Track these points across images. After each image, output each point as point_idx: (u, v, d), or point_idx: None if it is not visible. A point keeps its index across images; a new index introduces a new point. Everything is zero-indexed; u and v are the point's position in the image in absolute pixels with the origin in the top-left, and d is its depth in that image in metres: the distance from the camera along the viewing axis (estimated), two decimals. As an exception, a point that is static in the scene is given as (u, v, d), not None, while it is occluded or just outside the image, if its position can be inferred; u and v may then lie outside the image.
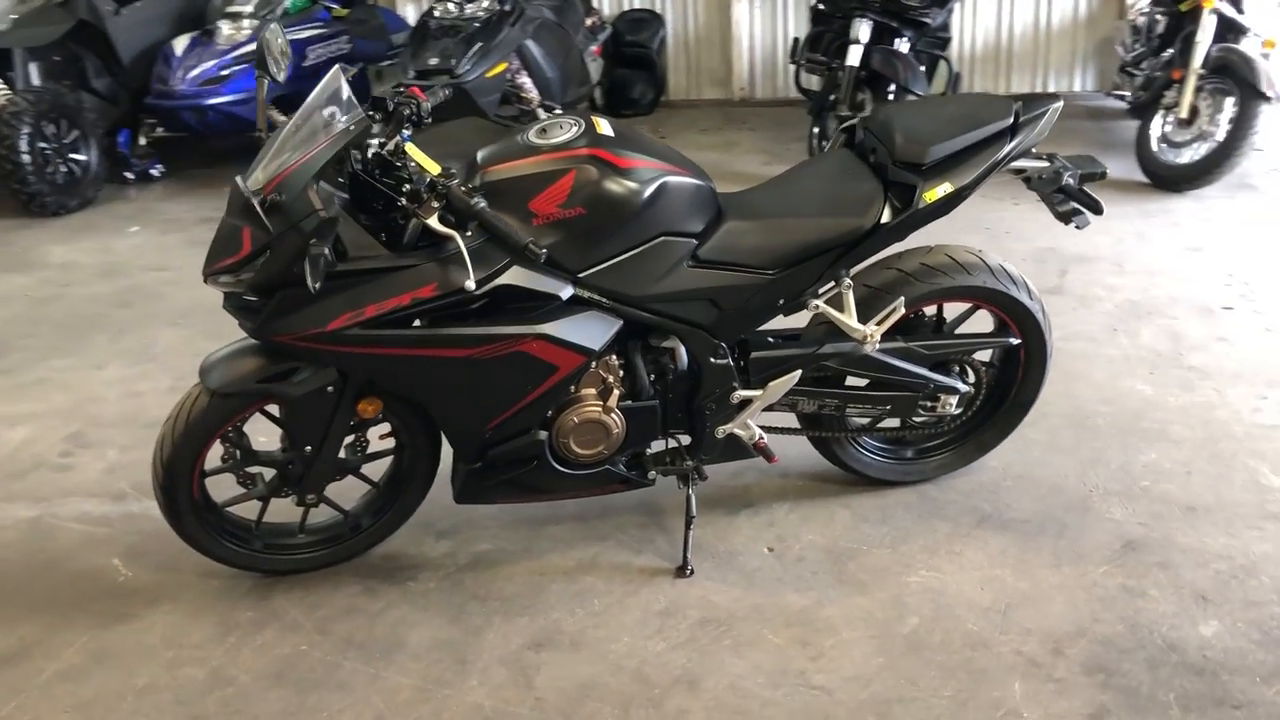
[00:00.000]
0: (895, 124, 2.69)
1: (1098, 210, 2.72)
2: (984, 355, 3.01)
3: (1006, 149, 2.66)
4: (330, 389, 2.58)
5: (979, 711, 2.31)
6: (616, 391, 2.65)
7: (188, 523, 2.70)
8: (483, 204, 2.27)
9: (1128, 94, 6.80)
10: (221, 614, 2.74)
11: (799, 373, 2.74)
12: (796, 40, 6.69)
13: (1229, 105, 5.54)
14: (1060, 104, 2.78)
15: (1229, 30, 5.70)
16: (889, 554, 2.84)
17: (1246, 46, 5.60)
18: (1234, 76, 5.50)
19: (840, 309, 2.71)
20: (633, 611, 2.68)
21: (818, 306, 2.71)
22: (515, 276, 2.44)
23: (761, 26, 8.22)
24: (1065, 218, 2.72)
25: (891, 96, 5.65)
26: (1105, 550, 2.80)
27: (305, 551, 2.87)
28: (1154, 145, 5.79)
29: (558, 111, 5.94)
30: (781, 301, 2.71)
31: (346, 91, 2.45)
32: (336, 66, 2.60)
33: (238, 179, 2.45)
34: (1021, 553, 2.82)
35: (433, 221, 2.29)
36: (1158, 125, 5.84)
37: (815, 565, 2.82)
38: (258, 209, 2.32)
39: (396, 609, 2.73)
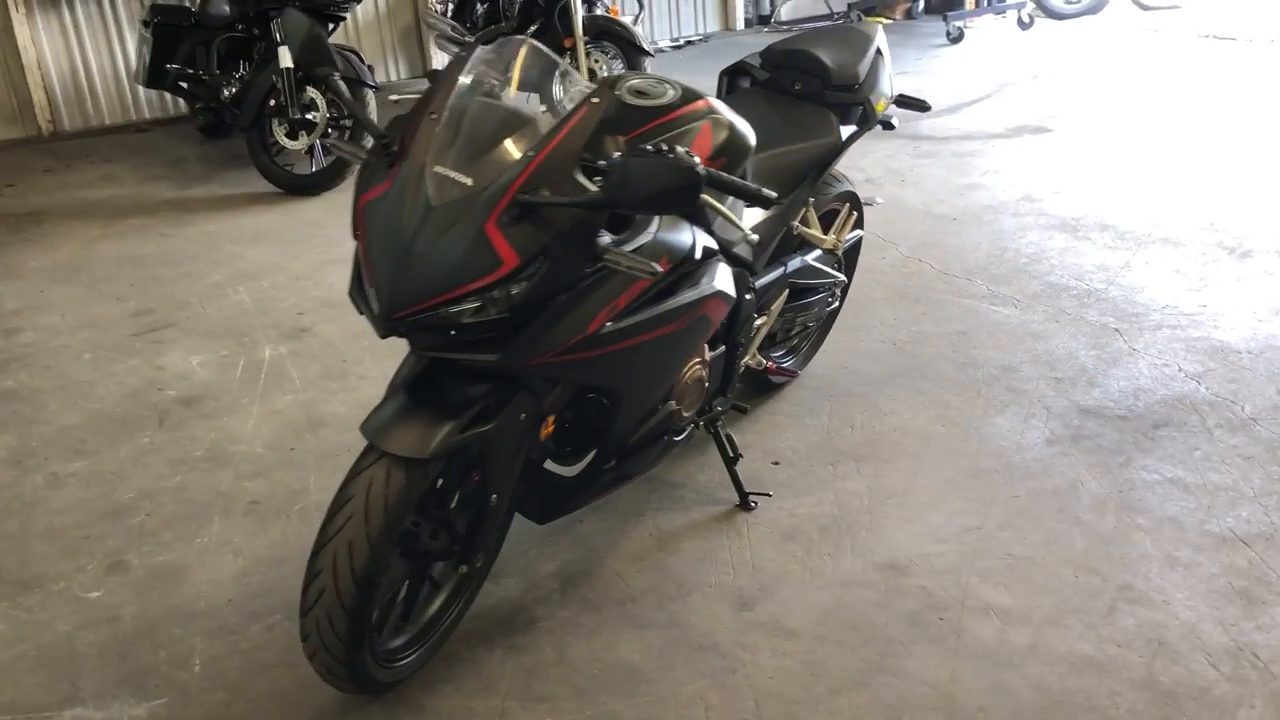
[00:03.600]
0: (819, 56, 3.08)
1: (927, 107, 3.44)
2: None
3: (889, 63, 3.25)
4: (524, 417, 2.17)
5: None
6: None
7: (365, 657, 2.06)
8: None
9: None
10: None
11: (786, 292, 3.02)
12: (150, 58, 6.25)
13: (618, 66, 6.67)
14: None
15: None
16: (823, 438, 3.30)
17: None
18: (615, 39, 6.65)
19: (807, 226, 3.05)
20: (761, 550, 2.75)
21: (797, 227, 3.02)
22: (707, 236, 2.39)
23: (55, 47, 7.19)
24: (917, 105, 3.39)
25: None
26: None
27: (414, 649, 2.32)
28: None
29: None
30: (785, 227, 2.95)
31: (547, 58, 2.11)
32: (522, 38, 2.19)
33: (428, 188, 1.95)
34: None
35: (706, 195, 2.09)
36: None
37: (804, 469, 3.14)
38: (501, 209, 1.91)
39: (562, 639, 2.41)
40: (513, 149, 2.03)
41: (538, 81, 2.27)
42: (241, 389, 3.67)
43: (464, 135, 2.04)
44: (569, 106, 2.17)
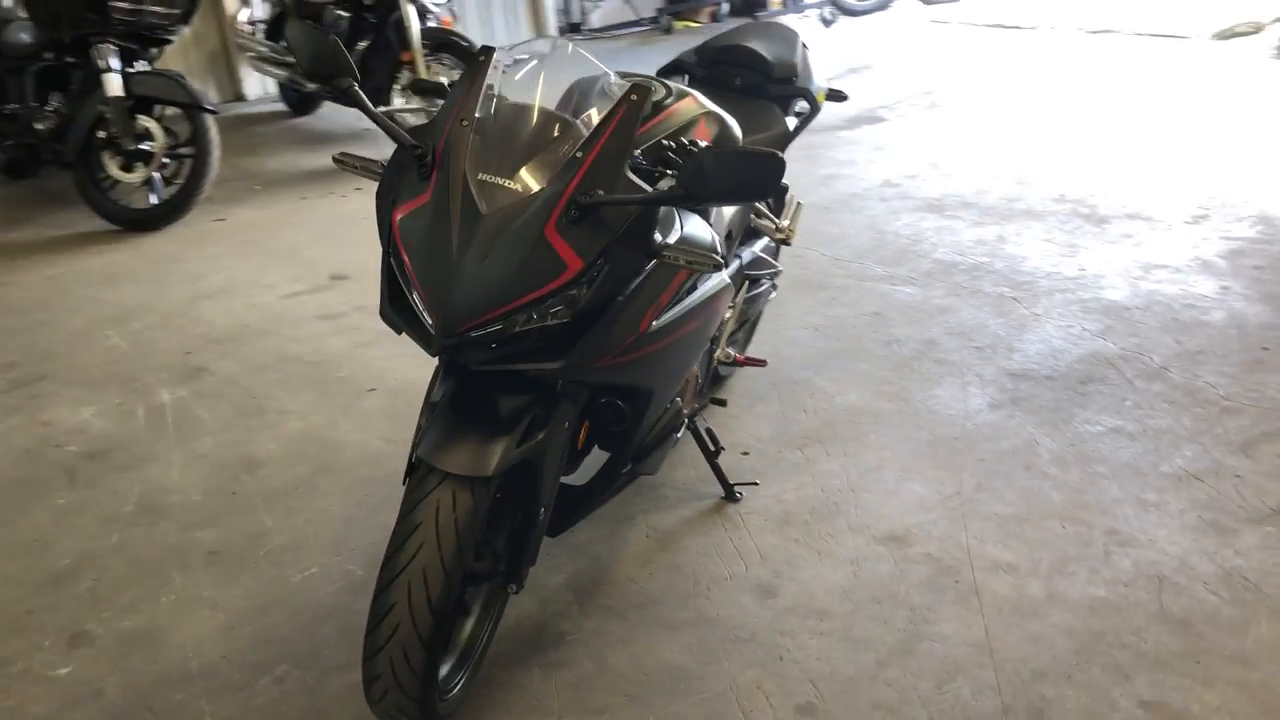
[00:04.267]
0: (758, 50, 3.14)
1: (846, 97, 3.55)
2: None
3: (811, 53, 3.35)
4: (567, 425, 2.13)
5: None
6: None
7: (434, 693, 1.98)
8: None
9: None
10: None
11: (745, 283, 3.07)
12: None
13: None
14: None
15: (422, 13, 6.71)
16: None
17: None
18: (456, 51, 6.56)
19: (759, 217, 3.11)
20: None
21: (754, 219, 3.07)
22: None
23: None
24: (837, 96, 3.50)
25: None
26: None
27: (459, 676, 2.24)
28: (398, 122, 6.56)
29: None
30: (748, 218, 2.99)
31: (586, 58, 2.07)
32: (550, 37, 2.11)
33: (474, 197, 1.89)
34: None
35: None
36: (398, 102, 6.62)
37: (774, 456, 3.20)
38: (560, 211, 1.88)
39: (597, 649, 2.38)
40: (557, 151, 1.98)
41: (564, 82, 2.23)
42: (151, 437, 3.41)
43: (501, 140, 1.98)
44: (593, 105, 2.14)
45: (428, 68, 6.56)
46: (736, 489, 2.92)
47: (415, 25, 6.47)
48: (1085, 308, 3.98)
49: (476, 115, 1.99)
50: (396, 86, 6.62)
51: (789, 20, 10.37)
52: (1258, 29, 9.21)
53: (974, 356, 3.65)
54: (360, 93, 2.06)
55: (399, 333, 2.02)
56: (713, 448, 2.90)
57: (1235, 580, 2.51)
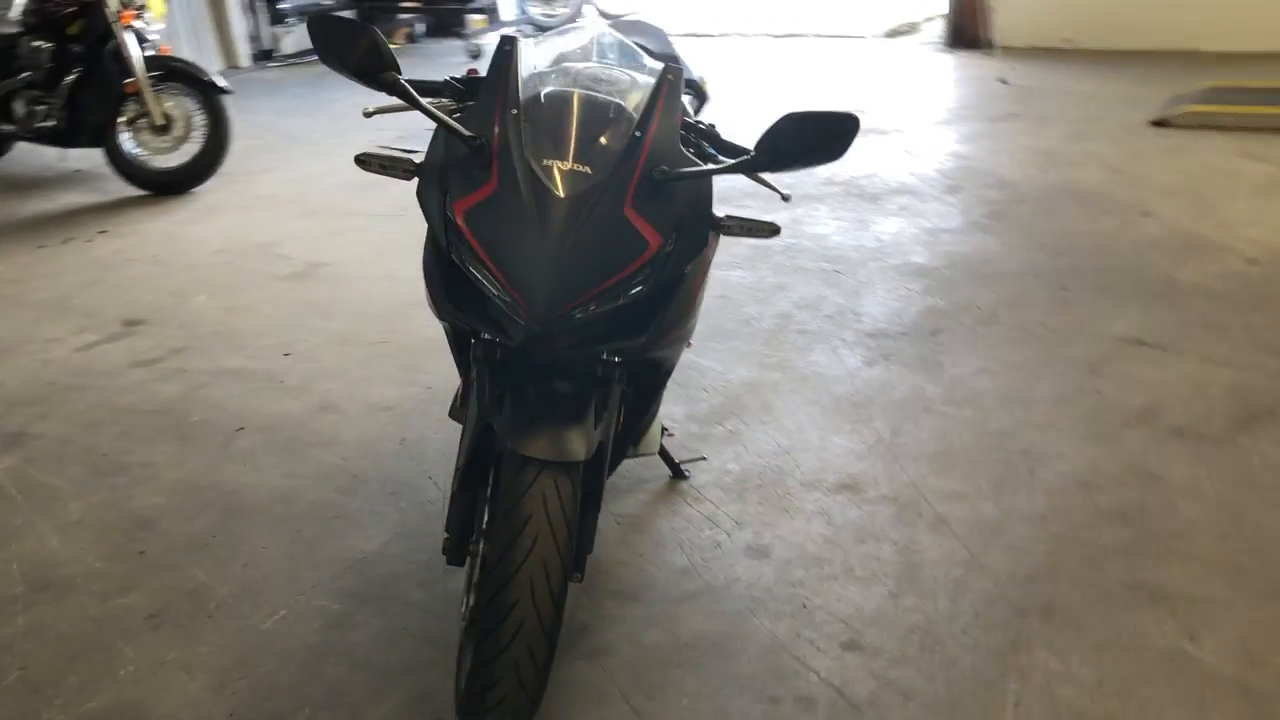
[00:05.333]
0: (646, 46, 3.23)
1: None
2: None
3: None
4: (621, 407, 2.16)
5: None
6: None
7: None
8: None
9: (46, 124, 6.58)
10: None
11: None
12: None
13: (193, 107, 6.21)
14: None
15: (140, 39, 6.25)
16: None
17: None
18: (183, 77, 6.19)
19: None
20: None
21: None
22: None
23: None
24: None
25: None
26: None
27: None
28: (130, 159, 6.10)
29: None
30: None
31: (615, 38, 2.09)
32: (592, 17, 2.08)
33: (545, 183, 1.88)
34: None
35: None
36: (128, 141, 6.14)
37: (698, 433, 3.34)
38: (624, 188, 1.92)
39: (628, 632, 2.42)
40: (615, 133, 2.00)
41: (598, 62, 2.24)
42: (2, 513, 3.02)
43: (554, 126, 1.97)
44: (626, 82, 2.16)
45: (157, 98, 6.11)
46: (684, 467, 3.00)
47: (136, 53, 6.01)
48: (900, 272, 4.39)
49: (523, 103, 1.98)
50: (122, 120, 6.11)
51: (495, 38, 10.48)
52: (914, 28, 10.38)
53: (829, 324, 3.94)
54: (408, 85, 1.99)
55: (458, 331, 1.97)
56: (662, 430, 2.97)
57: (1140, 474, 2.90)
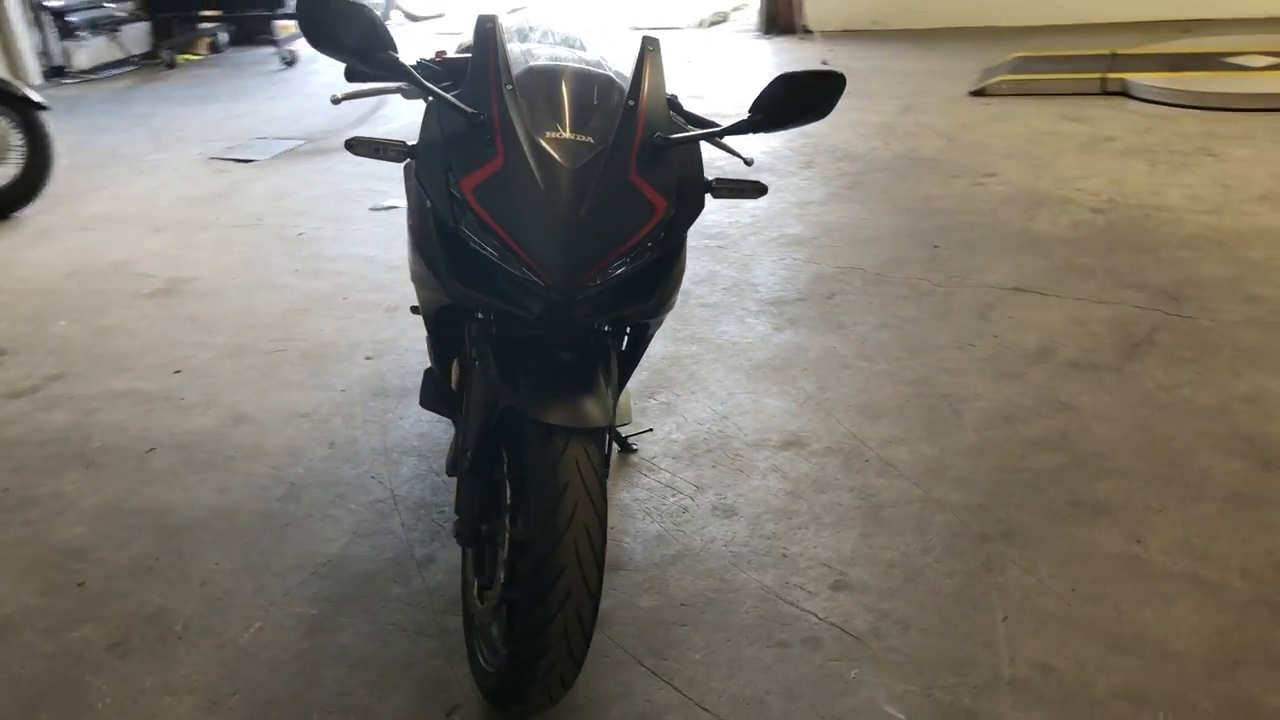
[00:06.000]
0: None
1: None
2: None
3: None
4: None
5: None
6: None
7: None
8: None
9: None
10: None
11: None
12: None
13: (5, 124, 5.83)
14: None
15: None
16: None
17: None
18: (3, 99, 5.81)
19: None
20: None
21: None
22: None
23: None
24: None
25: None
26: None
27: None
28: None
29: None
30: None
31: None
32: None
33: (551, 154, 1.92)
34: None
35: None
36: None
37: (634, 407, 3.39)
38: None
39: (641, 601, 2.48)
40: (608, 103, 2.03)
41: (575, 40, 2.25)
42: (-96, 560, 2.80)
43: (548, 99, 1.99)
44: (596, 58, 2.19)
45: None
46: (631, 441, 3.06)
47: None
48: (780, 243, 4.56)
49: (514, 80, 1.99)
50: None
51: (303, 43, 10.20)
52: (725, 17, 10.71)
53: (729, 296, 4.06)
54: (405, 63, 1.96)
55: (469, 310, 1.98)
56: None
57: (1052, 403, 3.14)
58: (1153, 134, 5.71)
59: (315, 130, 7.17)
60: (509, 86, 1.97)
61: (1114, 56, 7.11)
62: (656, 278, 2.03)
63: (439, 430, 3.22)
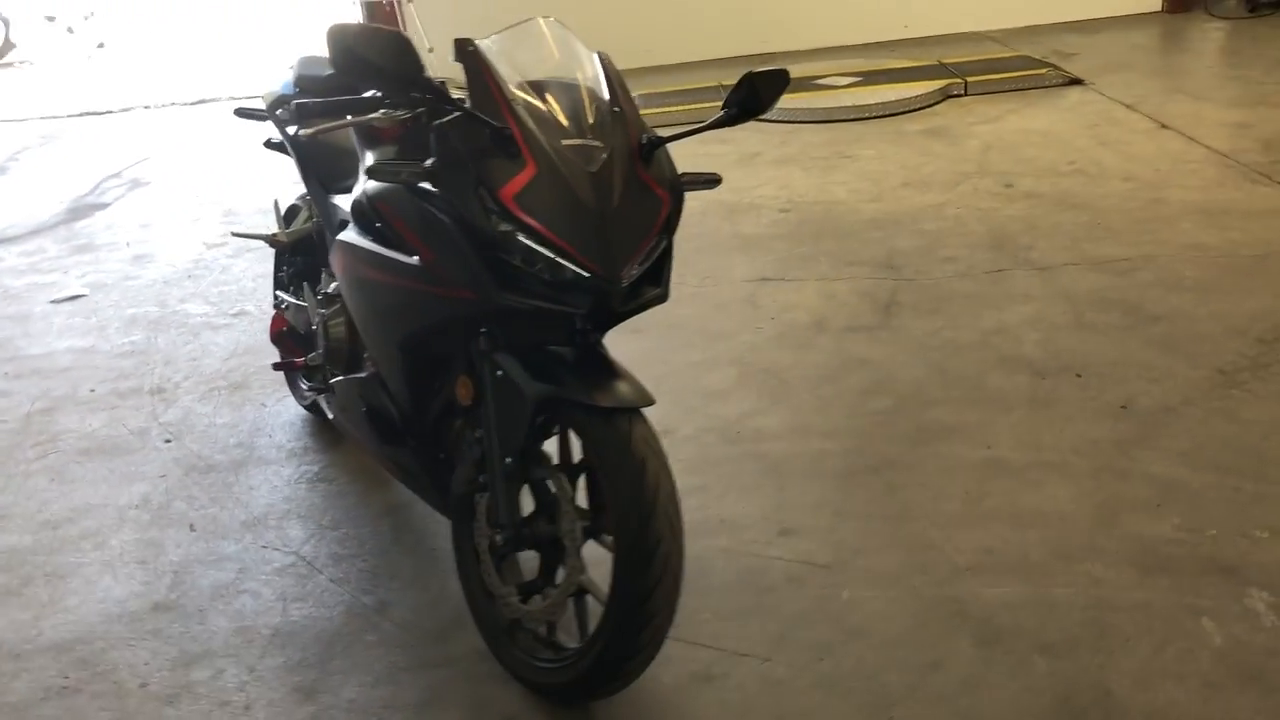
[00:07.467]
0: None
1: None
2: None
3: None
4: None
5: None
6: None
7: None
8: None
9: None
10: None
11: None
12: None
13: None
14: None
15: None
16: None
17: None
18: None
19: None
20: None
21: None
22: None
23: None
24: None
25: None
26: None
27: None
28: None
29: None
30: None
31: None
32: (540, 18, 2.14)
33: (574, 159, 2.06)
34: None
35: None
36: None
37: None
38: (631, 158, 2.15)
39: None
40: (599, 108, 2.15)
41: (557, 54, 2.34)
42: None
43: (554, 108, 2.11)
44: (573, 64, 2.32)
45: None
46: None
47: None
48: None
49: (518, 94, 2.11)
50: None
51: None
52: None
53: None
54: (441, 85, 2.01)
55: (510, 314, 2.07)
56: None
57: (852, 360, 3.65)
58: (789, 146, 6.55)
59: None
60: (514, 101, 2.08)
61: (721, 87, 8.00)
62: (662, 266, 2.22)
63: (303, 491, 3.13)
